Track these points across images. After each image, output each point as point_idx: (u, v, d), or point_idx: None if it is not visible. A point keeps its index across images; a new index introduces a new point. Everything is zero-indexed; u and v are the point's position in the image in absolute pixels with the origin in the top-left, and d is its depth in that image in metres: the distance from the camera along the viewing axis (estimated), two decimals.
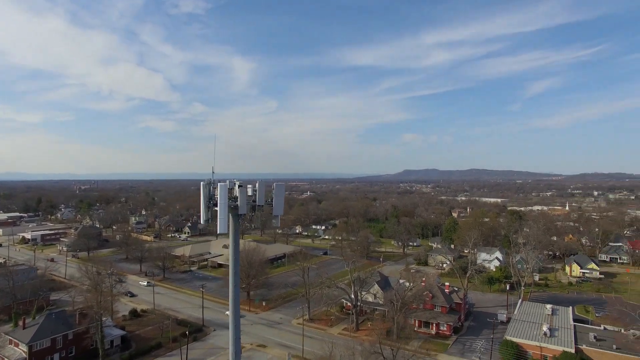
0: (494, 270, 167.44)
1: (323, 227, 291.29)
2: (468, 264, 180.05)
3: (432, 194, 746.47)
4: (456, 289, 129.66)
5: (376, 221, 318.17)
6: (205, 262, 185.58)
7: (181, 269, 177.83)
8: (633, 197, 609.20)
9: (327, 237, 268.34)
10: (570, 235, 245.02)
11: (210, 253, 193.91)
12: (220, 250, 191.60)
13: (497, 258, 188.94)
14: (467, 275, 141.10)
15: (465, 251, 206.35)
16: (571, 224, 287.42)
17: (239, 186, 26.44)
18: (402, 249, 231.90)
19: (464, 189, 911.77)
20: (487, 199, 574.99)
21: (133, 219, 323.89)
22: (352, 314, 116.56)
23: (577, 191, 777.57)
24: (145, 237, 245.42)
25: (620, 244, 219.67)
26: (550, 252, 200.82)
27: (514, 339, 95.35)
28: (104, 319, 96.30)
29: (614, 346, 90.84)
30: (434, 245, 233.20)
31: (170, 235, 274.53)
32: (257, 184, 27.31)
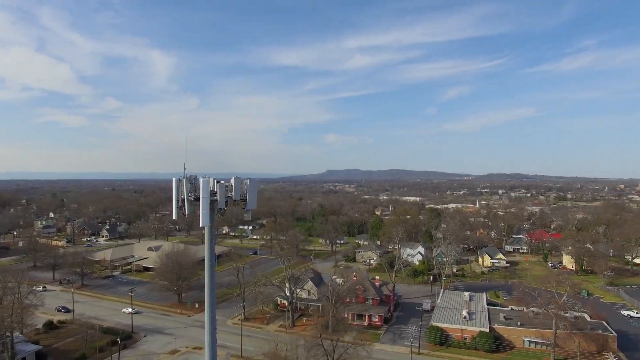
0: (418, 263, 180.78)
1: (250, 227, 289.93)
2: (395, 258, 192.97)
3: (356, 193, 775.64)
4: (386, 282, 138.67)
5: (303, 220, 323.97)
6: (129, 266, 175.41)
7: (102, 275, 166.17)
8: (529, 195, 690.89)
9: (255, 237, 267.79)
10: (481, 230, 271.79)
11: (134, 257, 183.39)
12: (145, 252, 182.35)
13: (419, 252, 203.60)
14: (395, 269, 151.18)
15: (390, 247, 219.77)
16: (481, 219, 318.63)
17: (217, 182, 27.93)
18: (330, 247, 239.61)
19: (385, 188, 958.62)
20: (407, 198, 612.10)
21: (39, 222, 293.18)
22: (288, 311, 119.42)
23: (485, 190, 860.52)
24: (56, 243, 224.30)
25: (521, 236, 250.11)
26: (466, 246, 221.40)
27: (439, 324, 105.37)
28: (15, 334, 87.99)
29: (519, 323, 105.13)
30: (362, 243, 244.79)
31: (85, 240, 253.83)
32: (232, 180, 28.93)
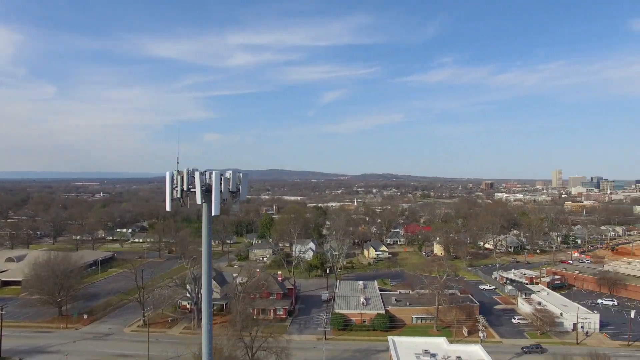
0: (311, 259, 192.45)
1: (130, 230, 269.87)
2: (290, 254, 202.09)
3: None
4: (288, 277, 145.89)
5: (189, 221, 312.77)
6: None
7: None
8: (399, 193, 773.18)
9: (138, 240, 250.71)
10: (363, 226, 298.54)
11: None
12: (3, 264, 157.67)
13: (310, 248, 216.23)
14: (294, 264, 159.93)
15: (281, 245, 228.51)
16: (362, 216, 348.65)
17: (221, 175, 30.72)
18: (221, 247, 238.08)
19: (266, 188, 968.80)
20: (288, 197, 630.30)
21: None
22: (191, 312, 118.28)
23: (361, 189, 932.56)
24: None
25: (398, 230, 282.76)
26: (352, 240, 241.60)
27: (341, 311, 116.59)
28: None
29: (408, 303, 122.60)
30: (253, 241, 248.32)
31: None
32: (228, 174, 31.99)
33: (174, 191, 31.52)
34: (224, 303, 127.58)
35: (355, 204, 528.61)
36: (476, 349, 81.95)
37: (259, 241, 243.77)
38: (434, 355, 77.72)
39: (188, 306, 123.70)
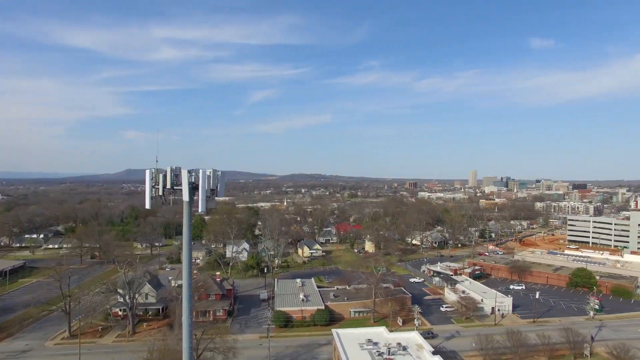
0: (246, 259, 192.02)
1: (42, 236, 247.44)
2: (224, 255, 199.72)
3: None
4: (226, 278, 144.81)
5: (112, 224, 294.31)
6: None
7: None
8: (328, 193, 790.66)
9: (53, 245, 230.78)
10: (294, 225, 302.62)
11: None
12: None
13: (244, 249, 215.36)
14: (231, 265, 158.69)
15: (213, 245, 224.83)
16: (292, 216, 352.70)
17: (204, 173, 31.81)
18: (149, 250, 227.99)
19: None
20: (217, 198, 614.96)
21: None
22: (123, 318, 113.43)
23: (290, 189, 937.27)
24: None
25: (329, 228, 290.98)
26: (288, 240, 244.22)
27: (282, 309, 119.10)
28: None
29: (346, 298, 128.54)
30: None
31: None
32: (210, 171, 33.20)
33: (154, 189, 32.23)
34: (161, 307, 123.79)
35: (285, 204, 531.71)
36: (413, 335, 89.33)
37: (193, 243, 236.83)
38: (376, 343, 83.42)
39: (120, 313, 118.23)
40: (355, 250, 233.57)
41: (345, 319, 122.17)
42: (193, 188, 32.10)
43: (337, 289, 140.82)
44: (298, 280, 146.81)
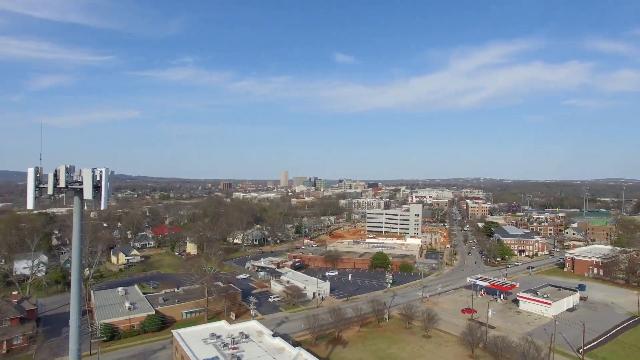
0: (47, 273, 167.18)
1: None
2: (12, 272, 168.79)
3: None
4: (26, 297, 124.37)
5: None
6: None
7: None
8: (136, 195, 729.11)
9: None
10: (102, 231, 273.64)
11: None
12: None
13: (42, 262, 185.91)
14: (30, 281, 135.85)
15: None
16: (97, 221, 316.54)
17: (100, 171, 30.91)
18: None
19: None
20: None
21: None
22: None
23: None
24: None
25: (145, 232, 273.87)
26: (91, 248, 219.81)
27: (106, 321, 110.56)
28: None
29: (177, 300, 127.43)
30: None
31: None
32: (102, 171, 32.63)
33: (37, 188, 31.11)
34: None
35: (85, 208, 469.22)
36: (252, 324, 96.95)
37: None
38: (219, 336, 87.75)
39: None
40: (177, 253, 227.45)
41: (178, 321, 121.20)
42: (95, 187, 32.01)
43: (166, 292, 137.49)
44: (119, 288, 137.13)
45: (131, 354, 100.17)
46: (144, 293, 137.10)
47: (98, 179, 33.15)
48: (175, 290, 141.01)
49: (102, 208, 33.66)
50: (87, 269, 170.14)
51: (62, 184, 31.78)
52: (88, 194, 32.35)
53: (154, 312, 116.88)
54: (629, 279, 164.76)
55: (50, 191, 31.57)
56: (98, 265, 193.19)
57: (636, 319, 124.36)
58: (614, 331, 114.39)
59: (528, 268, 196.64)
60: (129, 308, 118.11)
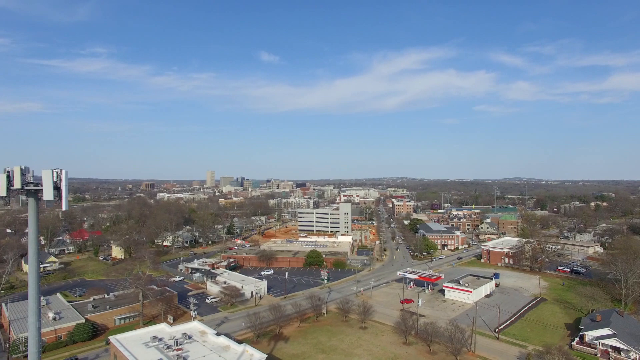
0: None
1: None
2: None
3: None
4: None
5: None
6: None
7: None
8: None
9: None
10: (7, 237, 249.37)
11: None
12: None
13: None
14: None
15: None
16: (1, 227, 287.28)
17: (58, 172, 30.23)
18: None
19: None
20: None
21: None
22: None
23: None
24: None
25: (61, 237, 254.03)
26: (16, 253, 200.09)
27: (25, 334, 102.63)
28: None
29: (108, 307, 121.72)
30: None
31: None
32: (62, 172, 31.99)
33: None
34: None
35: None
36: (195, 324, 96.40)
37: None
38: (161, 339, 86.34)
39: None
40: (101, 258, 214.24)
41: (110, 328, 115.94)
42: (56, 188, 31.67)
43: (95, 299, 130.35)
44: (41, 299, 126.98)
45: None
46: (68, 302, 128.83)
47: (56, 180, 33.01)
48: (105, 296, 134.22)
49: (64, 209, 33.45)
50: None
51: (17, 185, 31.28)
52: (49, 195, 32.09)
53: (83, 321, 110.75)
54: (532, 265, 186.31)
55: (3, 192, 30.92)
56: (7, 276, 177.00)
57: (538, 299, 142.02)
58: (522, 311, 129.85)
59: (458, 258, 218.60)
60: (54, 318, 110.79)
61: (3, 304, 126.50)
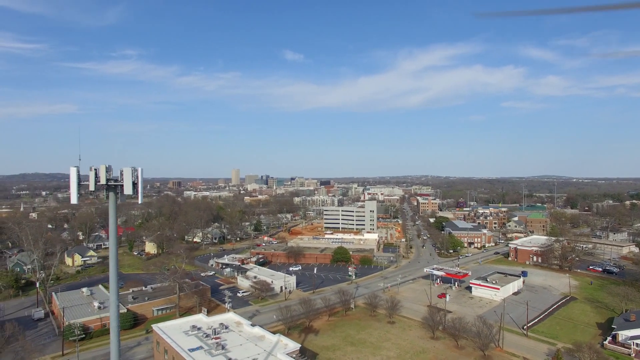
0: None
1: None
2: None
3: None
4: None
5: None
6: None
7: None
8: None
9: None
10: (49, 232, 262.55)
11: None
12: None
13: None
14: None
15: None
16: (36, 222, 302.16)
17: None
18: None
19: None
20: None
21: None
22: None
23: (24, 192, 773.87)
24: None
25: (98, 233, 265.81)
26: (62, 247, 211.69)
27: (76, 321, 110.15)
28: None
29: (146, 298, 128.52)
30: None
31: None
32: (138, 170, 36.72)
33: (80, 185, 35.12)
34: None
35: (23, 209, 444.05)
36: (230, 316, 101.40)
37: None
38: (199, 328, 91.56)
39: None
40: (135, 253, 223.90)
41: (149, 318, 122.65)
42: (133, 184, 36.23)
43: (134, 291, 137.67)
44: (84, 289, 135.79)
45: (106, 351, 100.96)
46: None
47: (134, 176, 37.55)
48: (143, 288, 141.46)
49: (140, 202, 38.05)
50: (42, 271, 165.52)
51: (102, 181, 35.88)
52: (128, 190, 36.60)
53: (125, 310, 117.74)
54: (562, 264, 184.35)
55: (92, 187, 35.57)
56: (55, 268, 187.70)
57: (568, 297, 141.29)
58: (551, 309, 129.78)
59: (495, 253, 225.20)
60: (99, 307, 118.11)
61: (53, 294, 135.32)
